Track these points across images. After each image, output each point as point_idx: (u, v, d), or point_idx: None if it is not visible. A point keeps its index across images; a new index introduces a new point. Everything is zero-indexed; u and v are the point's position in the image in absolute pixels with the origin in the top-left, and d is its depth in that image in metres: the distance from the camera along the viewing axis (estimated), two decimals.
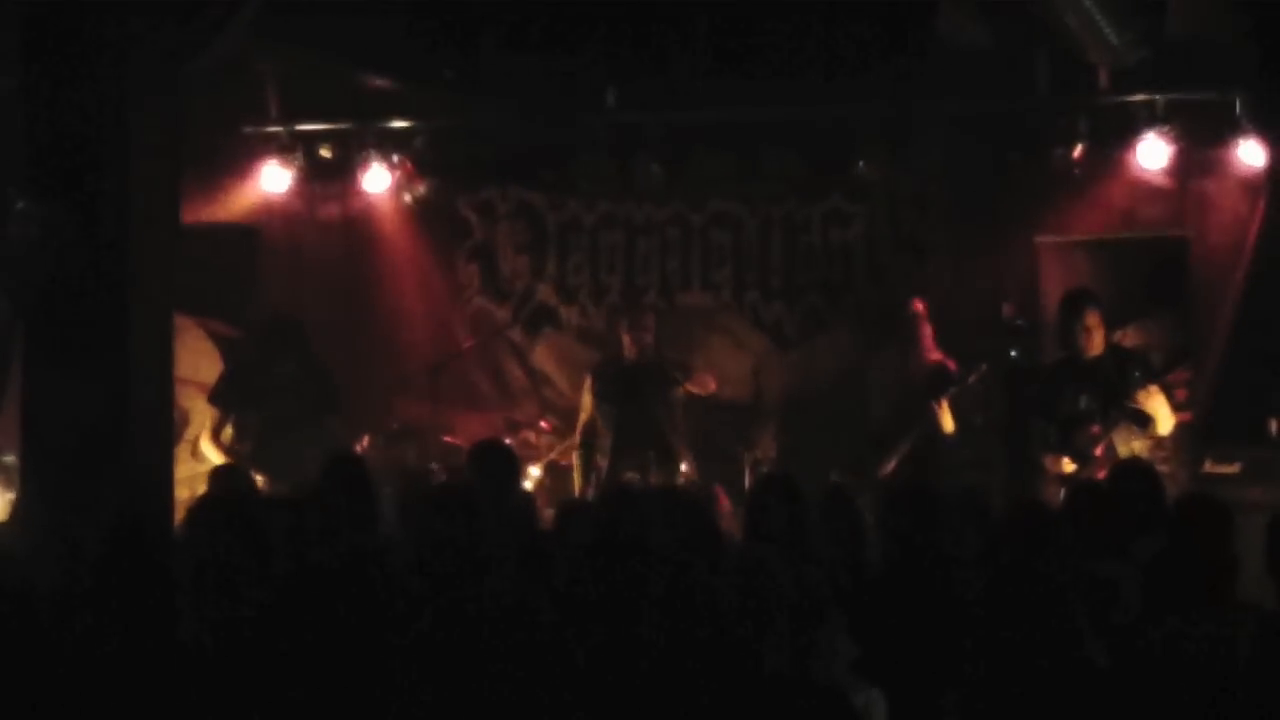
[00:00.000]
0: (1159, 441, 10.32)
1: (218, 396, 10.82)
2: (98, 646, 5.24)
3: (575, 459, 11.45)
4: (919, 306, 11.09)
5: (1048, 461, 10.13)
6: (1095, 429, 10.01)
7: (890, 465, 10.59)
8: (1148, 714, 5.23)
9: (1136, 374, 10.11)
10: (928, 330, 10.99)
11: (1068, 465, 10.03)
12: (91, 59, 8.64)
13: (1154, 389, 10.07)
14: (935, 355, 10.90)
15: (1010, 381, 10.75)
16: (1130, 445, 10.04)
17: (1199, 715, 5.27)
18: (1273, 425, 10.47)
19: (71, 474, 8.45)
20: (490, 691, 4.83)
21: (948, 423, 10.55)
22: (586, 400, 11.46)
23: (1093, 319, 10.24)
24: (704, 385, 11.35)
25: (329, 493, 7.42)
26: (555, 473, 11.60)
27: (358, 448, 10.55)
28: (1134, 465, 8.37)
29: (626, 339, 11.34)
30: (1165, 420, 10.14)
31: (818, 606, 5.18)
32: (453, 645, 3.74)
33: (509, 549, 6.33)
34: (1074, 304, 10.38)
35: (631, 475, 10.87)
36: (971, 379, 10.63)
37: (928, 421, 10.54)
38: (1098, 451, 9.97)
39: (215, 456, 10.36)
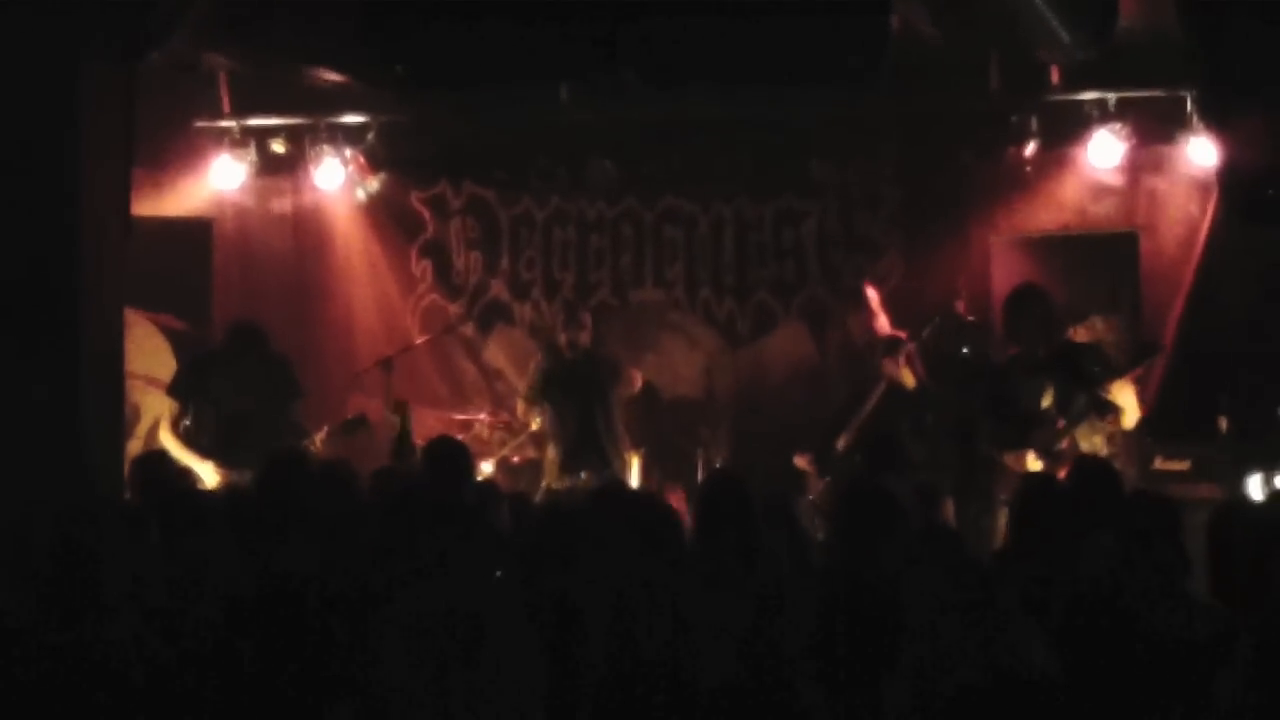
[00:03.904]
0: (1116, 436, 10.22)
1: (174, 387, 10.73)
2: (41, 638, 5.23)
3: (546, 455, 11.13)
4: (871, 291, 11.14)
5: (1008, 459, 9.97)
6: (1060, 424, 9.96)
7: (846, 439, 10.51)
8: (1103, 711, 5.24)
9: (1097, 368, 10.05)
10: (879, 312, 11.02)
11: (1033, 461, 9.84)
12: (43, 55, 8.61)
13: (1123, 381, 9.99)
14: (885, 329, 10.95)
15: (962, 379, 10.71)
16: (1092, 440, 9.96)
17: (1154, 709, 5.29)
18: (1222, 423, 10.47)
19: (21, 468, 8.41)
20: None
21: (908, 378, 10.50)
22: (521, 401, 11.34)
23: (1043, 313, 10.23)
24: (631, 383, 11.23)
25: (270, 488, 7.33)
26: (507, 469, 11.54)
27: (317, 439, 10.49)
28: (1094, 463, 8.37)
29: (563, 338, 11.21)
30: (1132, 411, 10.07)
31: (770, 606, 5.18)
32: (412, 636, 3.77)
33: (462, 545, 6.31)
34: (1023, 300, 10.36)
35: (567, 482, 10.78)
36: (925, 333, 10.64)
37: (886, 382, 10.49)
38: (1064, 445, 9.85)
39: (174, 447, 10.28)
